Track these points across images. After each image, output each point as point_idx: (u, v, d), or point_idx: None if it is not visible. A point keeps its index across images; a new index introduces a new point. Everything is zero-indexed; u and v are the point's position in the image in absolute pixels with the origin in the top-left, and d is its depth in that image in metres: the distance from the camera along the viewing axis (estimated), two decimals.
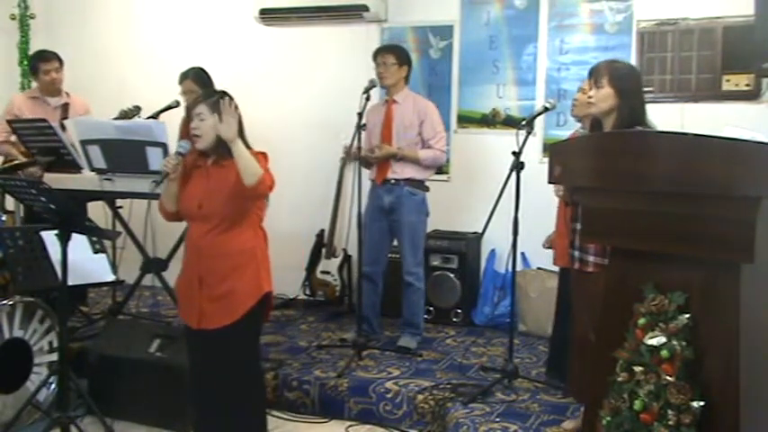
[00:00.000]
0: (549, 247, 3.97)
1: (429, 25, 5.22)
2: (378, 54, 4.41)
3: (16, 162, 4.47)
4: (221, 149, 2.86)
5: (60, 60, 4.80)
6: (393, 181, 4.37)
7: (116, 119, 4.43)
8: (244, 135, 2.89)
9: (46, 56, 4.79)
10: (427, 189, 4.46)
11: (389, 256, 4.59)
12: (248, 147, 2.86)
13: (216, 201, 2.86)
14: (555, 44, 4.92)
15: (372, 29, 5.32)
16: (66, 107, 4.83)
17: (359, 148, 4.23)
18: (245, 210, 2.90)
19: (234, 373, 2.92)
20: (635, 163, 2.24)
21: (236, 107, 2.84)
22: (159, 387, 3.61)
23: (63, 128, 4.42)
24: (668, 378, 2.13)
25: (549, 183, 2.67)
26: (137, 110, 4.58)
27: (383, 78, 4.34)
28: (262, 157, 2.87)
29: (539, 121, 4.51)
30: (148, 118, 4.54)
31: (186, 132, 3.03)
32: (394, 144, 4.36)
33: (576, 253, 3.09)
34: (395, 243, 4.53)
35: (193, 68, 4.65)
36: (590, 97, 2.95)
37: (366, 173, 4.46)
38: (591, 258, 3.03)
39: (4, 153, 4.73)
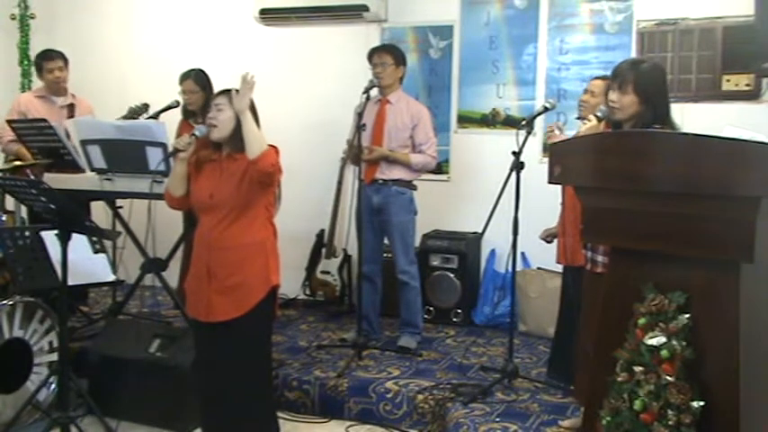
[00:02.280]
0: (546, 240, 3.95)
1: (429, 25, 5.22)
2: (374, 54, 4.40)
3: (18, 163, 4.48)
4: (236, 142, 2.88)
5: (65, 59, 4.81)
6: (381, 181, 4.37)
7: (125, 116, 4.46)
8: (258, 126, 2.90)
9: (50, 54, 4.80)
10: (414, 188, 4.46)
11: (384, 255, 4.59)
12: None
13: (226, 190, 2.88)
14: (555, 44, 4.92)
15: (372, 29, 5.32)
16: (72, 107, 4.85)
17: (359, 147, 4.24)
18: (253, 199, 2.90)
19: (243, 367, 2.91)
20: (635, 163, 2.24)
21: (253, 84, 2.85)
22: (159, 387, 3.61)
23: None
24: (668, 378, 2.13)
25: (550, 183, 2.66)
26: (145, 107, 4.61)
27: (380, 79, 4.33)
28: (273, 149, 2.88)
29: (539, 121, 4.51)
30: (148, 118, 4.55)
31: (183, 134, 3.04)
32: (384, 144, 4.36)
33: (589, 254, 3.06)
34: (386, 242, 4.54)
35: (194, 69, 4.66)
36: (613, 101, 2.87)
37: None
38: (600, 258, 2.99)
39: (13, 152, 4.72)
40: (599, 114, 2.98)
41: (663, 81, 2.89)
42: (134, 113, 4.53)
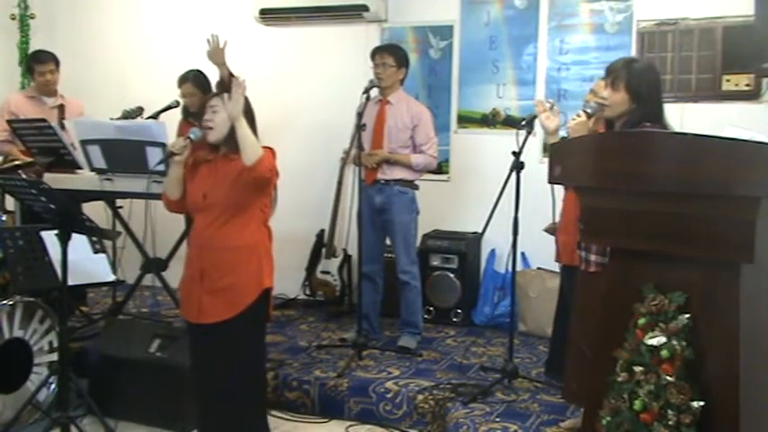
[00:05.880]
0: (549, 232, 3.92)
1: (429, 25, 5.22)
2: (376, 53, 4.40)
3: (16, 162, 4.48)
4: (232, 143, 2.86)
5: (56, 61, 4.78)
6: (383, 181, 4.38)
7: (119, 119, 4.46)
8: (255, 128, 2.90)
9: (41, 57, 4.78)
10: (416, 187, 4.47)
11: (385, 255, 4.59)
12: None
13: (220, 190, 2.87)
14: (555, 44, 4.92)
15: (372, 29, 5.32)
16: (62, 108, 4.83)
17: (359, 148, 4.24)
18: (247, 201, 2.88)
19: (234, 369, 2.91)
20: (635, 163, 2.24)
21: (245, 89, 2.84)
22: (159, 387, 3.61)
23: (62, 127, 4.42)
24: (668, 378, 2.13)
25: (550, 183, 2.66)
26: (139, 110, 4.61)
27: (380, 79, 4.33)
28: (269, 151, 2.88)
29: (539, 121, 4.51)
30: (148, 118, 4.55)
31: (183, 134, 3.03)
32: (384, 144, 4.36)
33: (583, 253, 3.07)
34: (387, 242, 4.54)
35: (192, 71, 4.66)
36: (604, 98, 2.92)
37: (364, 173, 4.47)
38: (593, 258, 3.02)
39: (5, 152, 4.73)
40: (589, 111, 3.02)
41: (656, 81, 2.92)
42: (128, 116, 4.53)
